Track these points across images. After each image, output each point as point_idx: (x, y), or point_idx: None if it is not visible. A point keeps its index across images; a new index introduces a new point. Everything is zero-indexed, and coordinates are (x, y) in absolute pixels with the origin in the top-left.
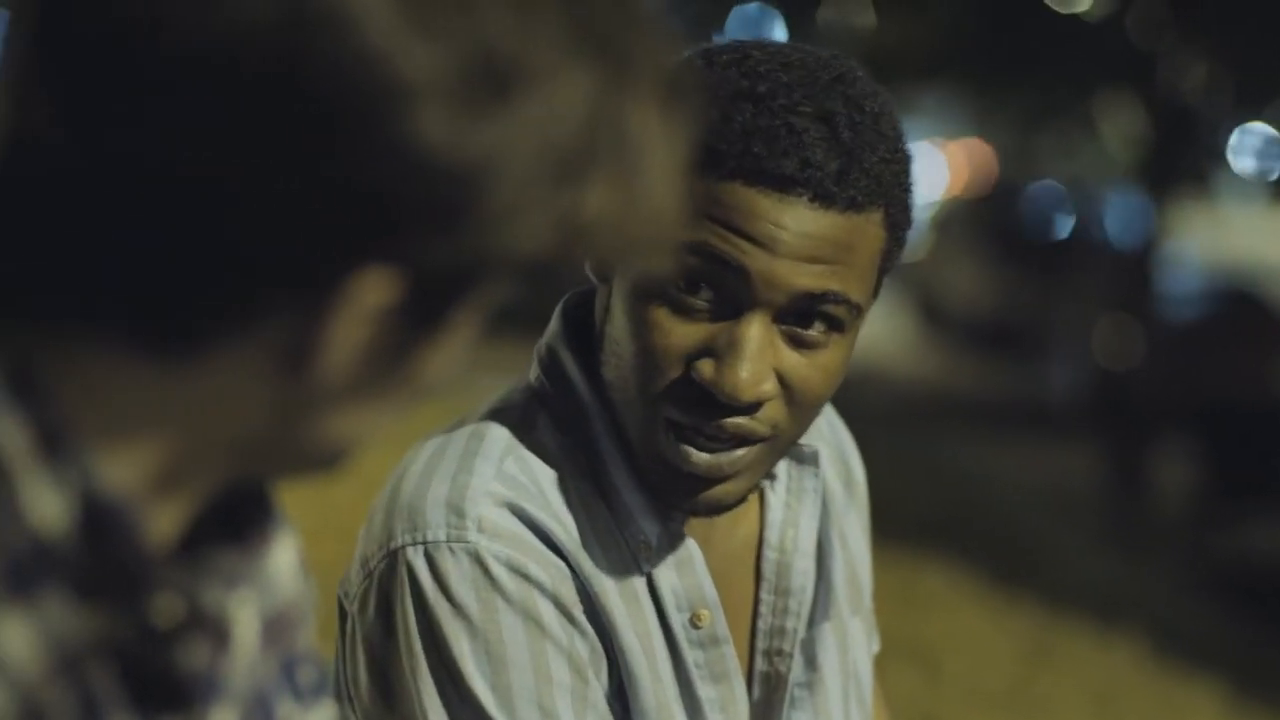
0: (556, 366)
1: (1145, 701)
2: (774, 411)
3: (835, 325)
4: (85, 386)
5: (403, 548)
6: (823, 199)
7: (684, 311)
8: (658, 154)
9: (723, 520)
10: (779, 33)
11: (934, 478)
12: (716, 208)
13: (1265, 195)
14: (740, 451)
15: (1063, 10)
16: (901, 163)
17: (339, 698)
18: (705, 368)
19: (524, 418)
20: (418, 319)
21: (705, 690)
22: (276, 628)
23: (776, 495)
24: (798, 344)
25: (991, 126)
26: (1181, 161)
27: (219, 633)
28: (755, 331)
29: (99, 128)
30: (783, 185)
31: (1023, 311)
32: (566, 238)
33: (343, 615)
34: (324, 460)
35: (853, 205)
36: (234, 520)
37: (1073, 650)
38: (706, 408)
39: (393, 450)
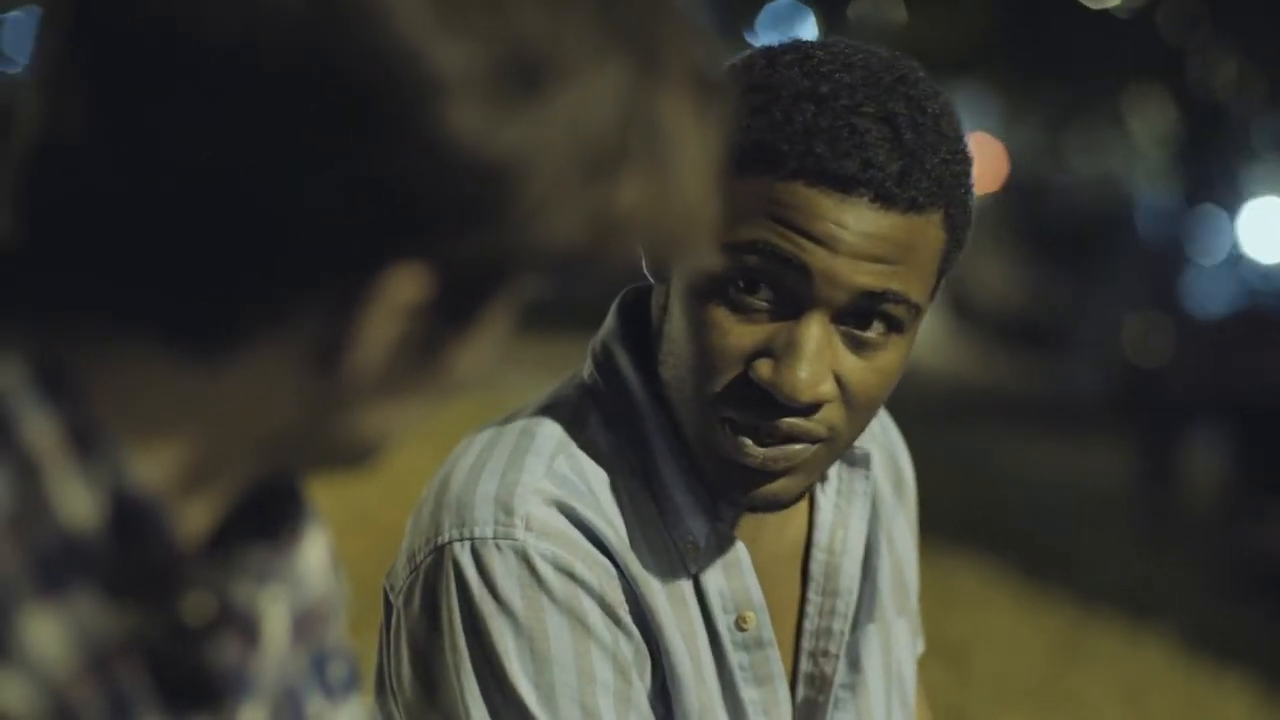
0: (610, 364)
1: (1175, 698)
2: (831, 413)
3: (894, 326)
4: (117, 384)
5: (450, 543)
6: (884, 200)
7: (743, 311)
8: (690, 149)
9: (771, 521)
10: (810, 28)
11: (965, 474)
12: (777, 207)
13: None
14: (797, 447)
15: (1094, 6)
16: (962, 163)
17: (381, 690)
18: (764, 368)
19: (576, 415)
20: (449, 315)
21: (749, 693)
22: (307, 624)
23: (827, 497)
24: (856, 346)
25: (1020, 123)
26: (1212, 157)
27: (249, 629)
28: (815, 331)
29: (131, 126)
30: (845, 185)
31: (1053, 308)
32: (599, 233)
33: (388, 608)
34: (355, 456)
35: (914, 206)
36: (265, 516)
37: (1103, 647)
38: (764, 407)
39: (421, 446)
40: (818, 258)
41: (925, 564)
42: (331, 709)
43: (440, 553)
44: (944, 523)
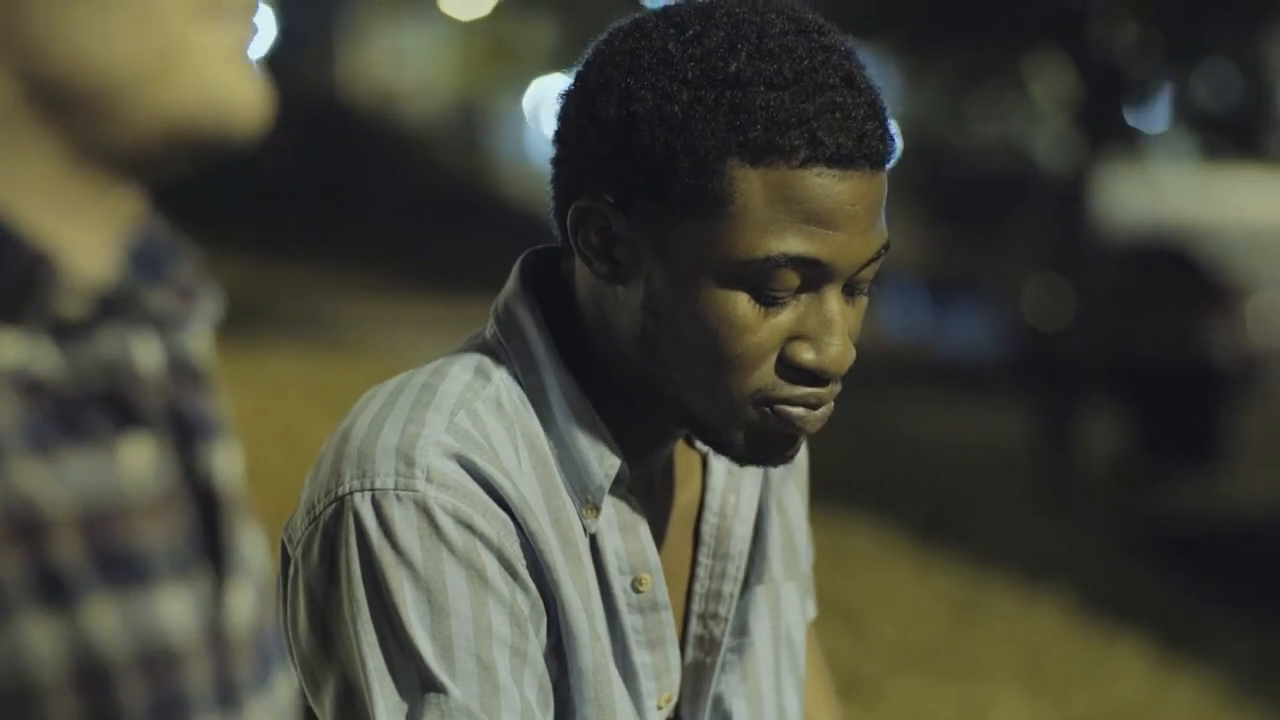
0: (513, 323)
1: (1072, 659)
2: None
3: (877, 267)
4: None
5: (350, 494)
6: (877, 163)
7: (769, 303)
8: None
9: (668, 486)
10: None
11: (862, 437)
12: (795, 203)
13: (1195, 154)
14: (831, 402)
15: None
16: (882, 93)
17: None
18: (803, 351)
19: (478, 373)
20: None
21: (640, 656)
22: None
23: (720, 462)
24: (851, 297)
25: (920, 86)
26: (1112, 121)
27: (190, 368)
28: (837, 305)
29: None
30: (847, 162)
31: (953, 271)
32: None
33: (285, 560)
34: (112, 91)
35: (890, 156)
36: (156, 268)
37: (999, 608)
38: (808, 385)
39: (321, 405)
40: (840, 247)
41: (821, 527)
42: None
43: (340, 503)
44: (840, 485)
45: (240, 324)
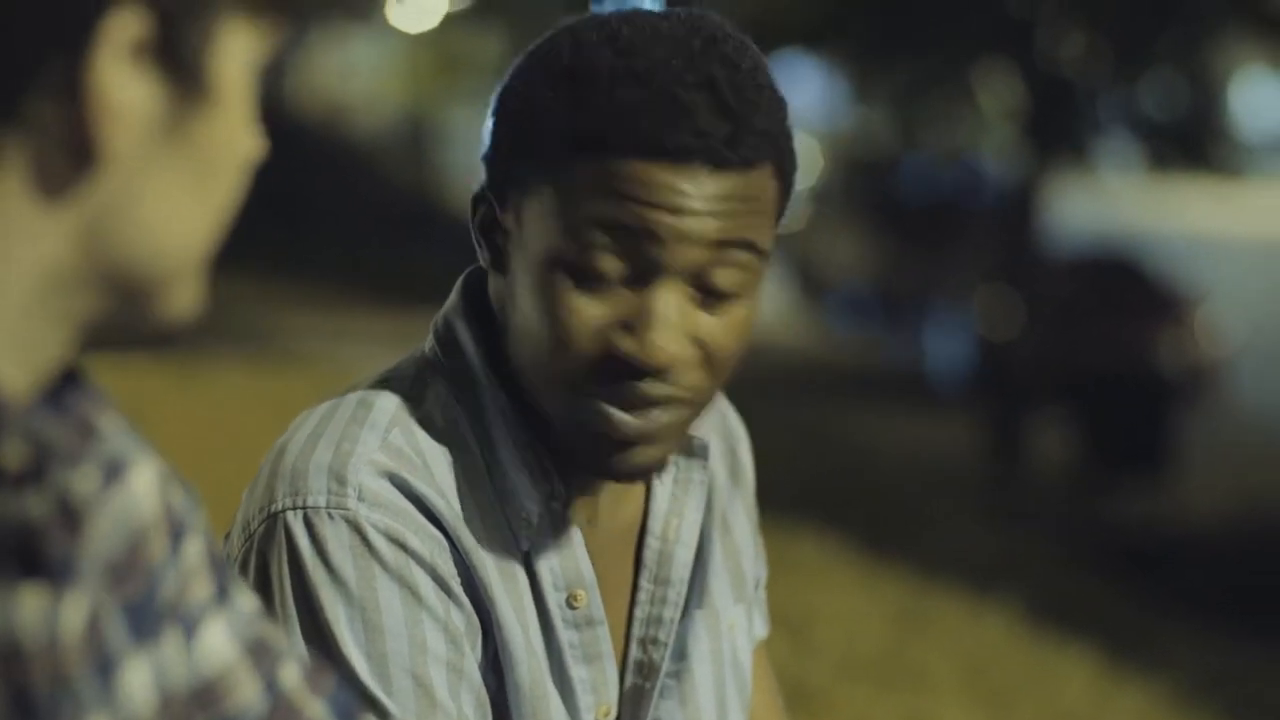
0: (452, 339)
1: (1018, 669)
2: (692, 376)
3: (746, 272)
4: None
5: (283, 511)
6: (719, 163)
7: (593, 286)
8: None
9: (606, 503)
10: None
11: (810, 447)
12: (618, 183)
13: (1143, 165)
14: (662, 412)
15: None
16: (783, 112)
17: None
18: (622, 340)
19: (414, 389)
20: (178, 60)
21: (577, 670)
22: (135, 543)
23: (663, 485)
24: (710, 304)
25: (869, 97)
26: (1060, 131)
27: (67, 508)
28: (669, 297)
29: None
30: (679, 156)
31: (902, 282)
32: None
33: None
34: (161, 281)
35: (746, 163)
36: (60, 398)
37: (945, 619)
38: (628, 378)
39: (268, 417)
40: (664, 223)
41: (767, 537)
42: (195, 632)
43: (273, 520)
44: (787, 495)
45: (189, 336)
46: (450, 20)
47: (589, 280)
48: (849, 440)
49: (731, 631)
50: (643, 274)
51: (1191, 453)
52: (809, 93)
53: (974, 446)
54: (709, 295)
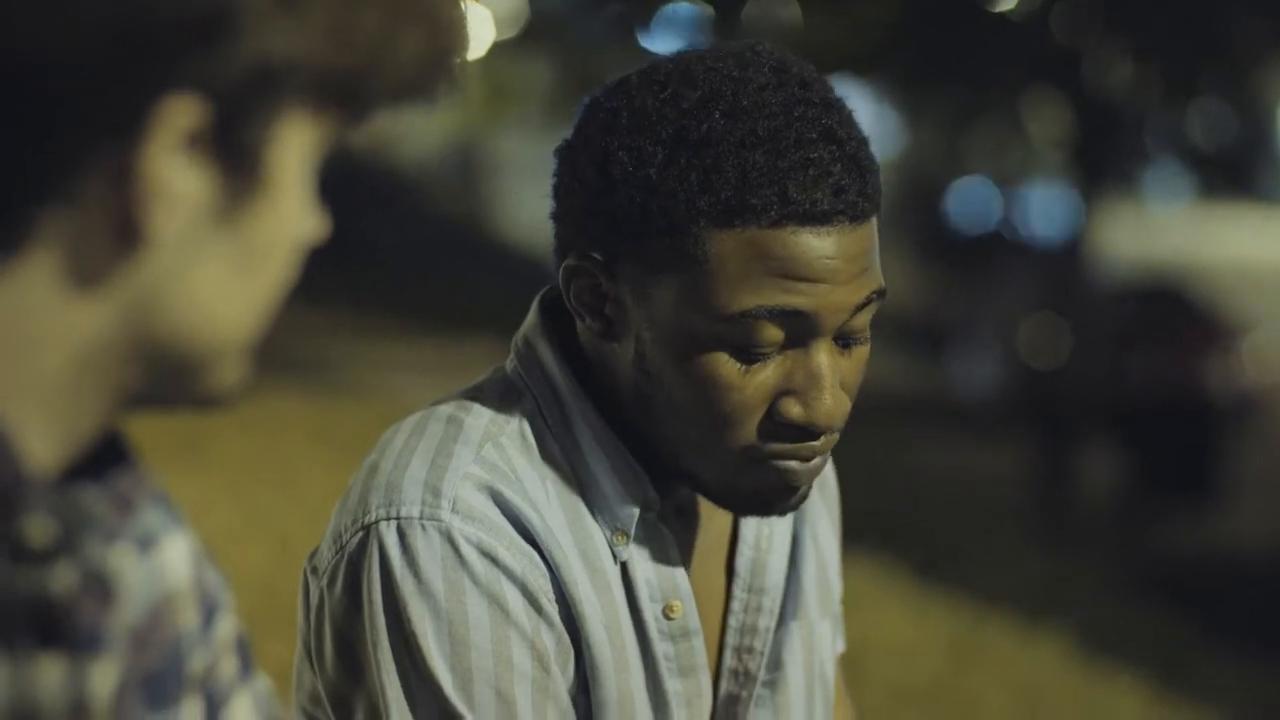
0: (534, 357)
1: (1070, 699)
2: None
3: (872, 313)
4: None
5: (376, 522)
6: (856, 217)
7: (753, 361)
8: None
9: (697, 512)
10: (703, 32)
11: (861, 476)
12: (772, 261)
13: (1191, 193)
14: (821, 456)
15: (989, 9)
16: (869, 143)
17: (300, 682)
18: (792, 408)
19: (502, 406)
20: (232, 153)
21: (672, 684)
22: (163, 611)
23: None
24: (846, 348)
25: (918, 126)
26: (1108, 160)
27: (100, 583)
28: (827, 359)
29: None
30: (824, 219)
31: (949, 310)
32: (339, 45)
33: (307, 590)
34: (201, 363)
35: (874, 208)
36: (102, 473)
37: (997, 648)
38: (799, 439)
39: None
40: (821, 298)
41: None
42: (224, 708)
43: (366, 532)
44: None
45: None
46: (498, 48)
47: (751, 358)
48: (899, 469)
49: (820, 644)
50: (800, 339)
51: (1240, 481)
52: (859, 122)
53: (1022, 475)
54: (846, 341)
